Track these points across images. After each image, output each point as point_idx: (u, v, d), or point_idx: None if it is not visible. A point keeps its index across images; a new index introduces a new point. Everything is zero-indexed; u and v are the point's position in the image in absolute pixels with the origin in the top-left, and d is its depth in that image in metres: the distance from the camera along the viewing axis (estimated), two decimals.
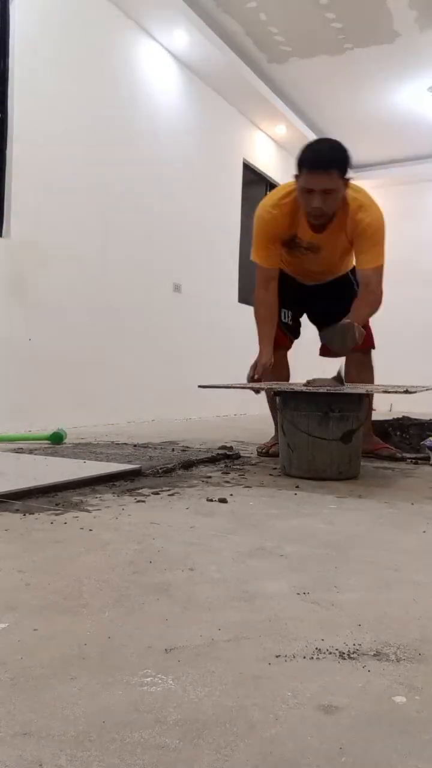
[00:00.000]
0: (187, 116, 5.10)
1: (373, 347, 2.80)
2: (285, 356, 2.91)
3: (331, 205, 2.38)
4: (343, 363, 2.62)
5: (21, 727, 0.63)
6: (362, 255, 2.49)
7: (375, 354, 2.81)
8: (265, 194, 6.38)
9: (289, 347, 2.92)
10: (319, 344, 2.79)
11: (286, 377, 2.89)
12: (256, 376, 2.50)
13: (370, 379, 2.74)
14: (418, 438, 2.91)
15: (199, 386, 2.49)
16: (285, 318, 2.85)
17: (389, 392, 2.18)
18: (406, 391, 2.12)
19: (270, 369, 2.56)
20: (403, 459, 2.67)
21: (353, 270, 2.78)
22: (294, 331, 2.93)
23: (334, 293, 2.78)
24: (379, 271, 2.46)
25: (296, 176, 2.41)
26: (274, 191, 2.60)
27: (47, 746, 0.60)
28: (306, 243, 2.56)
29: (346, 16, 4.60)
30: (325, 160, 2.32)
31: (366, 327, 2.79)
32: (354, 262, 2.76)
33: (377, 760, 0.59)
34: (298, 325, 2.96)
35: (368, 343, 2.78)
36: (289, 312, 2.87)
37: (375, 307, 2.51)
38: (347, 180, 2.38)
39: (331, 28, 4.77)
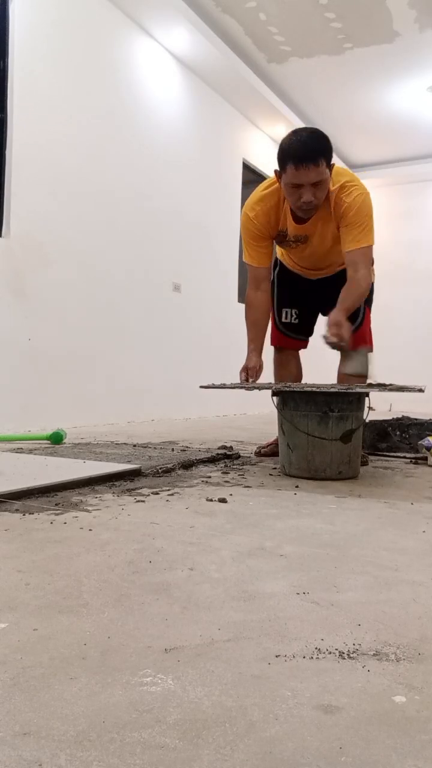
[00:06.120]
0: (187, 116, 5.11)
1: (371, 350, 2.78)
2: (293, 356, 2.86)
3: (321, 195, 2.29)
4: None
5: (21, 727, 0.63)
6: (346, 236, 2.37)
7: (377, 354, 2.79)
8: None
9: (296, 347, 2.86)
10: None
11: (295, 377, 2.85)
12: (251, 380, 2.49)
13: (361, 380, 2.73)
14: (417, 438, 2.91)
15: (201, 386, 2.49)
16: (287, 318, 2.80)
17: (405, 390, 2.15)
18: (420, 390, 2.11)
19: (259, 372, 2.53)
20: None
21: None
22: (300, 330, 2.85)
23: (343, 285, 2.67)
24: (366, 252, 2.33)
25: (278, 172, 2.31)
26: (257, 188, 2.53)
27: (47, 746, 0.60)
28: (293, 236, 2.50)
29: (345, 16, 4.60)
30: (312, 151, 2.20)
31: (366, 328, 2.76)
32: None
33: (377, 760, 0.59)
34: (309, 323, 2.87)
35: (364, 345, 2.76)
36: (294, 311, 2.80)
37: (361, 295, 2.39)
38: (332, 166, 2.29)
39: (330, 28, 4.77)
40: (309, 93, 5.89)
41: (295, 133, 2.29)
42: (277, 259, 2.85)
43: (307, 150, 2.20)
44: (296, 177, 2.23)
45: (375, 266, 2.73)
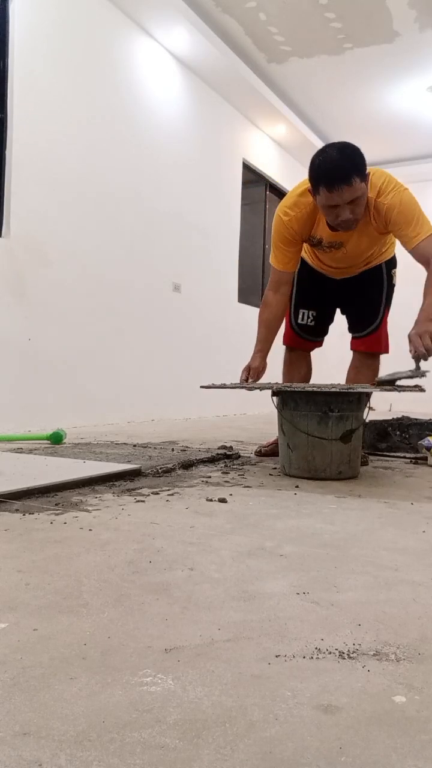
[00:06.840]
0: (187, 116, 5.11)
1: (386, 352, 2.75)
2: (304, 357, 2.84)
3: (360, 210, 2.22)
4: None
5: (21, 727, 0.63)
6: (402, 236, 2.28)
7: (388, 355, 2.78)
8: (265, 194, 6.45)
9: (309, 348, 2.84)
10: (345, 338, 2.76)
11: (304, 378, 2.84)
12: (250, 380, 2.49)
13: (368, 381, 2.72)
14: (417, 438, 2.91)
15: (201, 386, 2.49)
16: (303, 319, 2.76)
17: (406, 390, 2.13)
18: (417, 386, 2.10)
19: (261, 374, 2.52)
20: None
21: (389, 262, 2.68)
22: (315, 332, 2.82)
23: (366, 286, 2.68)
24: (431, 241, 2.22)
25: (312, 192, 2.22)
26: (293, 189, 2.45)
27: (47, 746, 0.60)
28: (327, 242, 2.45)
29: (345, 16, 4.60)
30: (342, 172, 2.11)
31: (383, 331, 2.73)
32: (390, 252, 2.64)
33: (377, 760, 0.59)
34: (324, 324, 2.84)
35: (378, 348, 2.74)
36: (312, 312, 2.76)
37: None
38: (367, 176, 2.18)
39: (330, 28, 4.77)
40: (309, 93, 5.89)
41: (323, 151, 2.19)
42: (300, 257, 2.73)
43: (337, 170, 2.12)
44: (330, 199, 2.16)
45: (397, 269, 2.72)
